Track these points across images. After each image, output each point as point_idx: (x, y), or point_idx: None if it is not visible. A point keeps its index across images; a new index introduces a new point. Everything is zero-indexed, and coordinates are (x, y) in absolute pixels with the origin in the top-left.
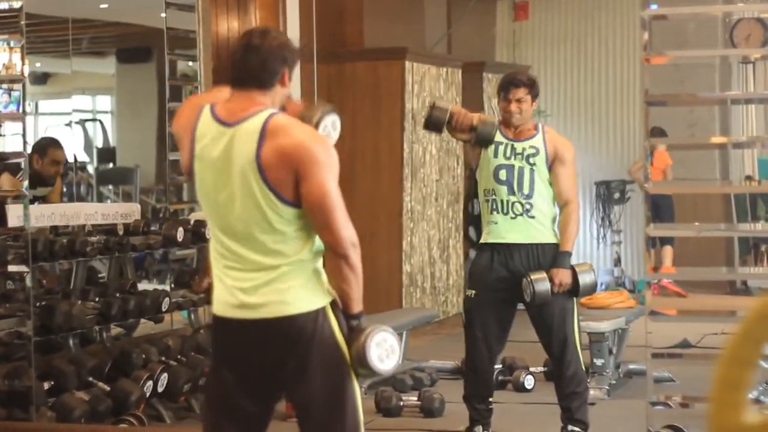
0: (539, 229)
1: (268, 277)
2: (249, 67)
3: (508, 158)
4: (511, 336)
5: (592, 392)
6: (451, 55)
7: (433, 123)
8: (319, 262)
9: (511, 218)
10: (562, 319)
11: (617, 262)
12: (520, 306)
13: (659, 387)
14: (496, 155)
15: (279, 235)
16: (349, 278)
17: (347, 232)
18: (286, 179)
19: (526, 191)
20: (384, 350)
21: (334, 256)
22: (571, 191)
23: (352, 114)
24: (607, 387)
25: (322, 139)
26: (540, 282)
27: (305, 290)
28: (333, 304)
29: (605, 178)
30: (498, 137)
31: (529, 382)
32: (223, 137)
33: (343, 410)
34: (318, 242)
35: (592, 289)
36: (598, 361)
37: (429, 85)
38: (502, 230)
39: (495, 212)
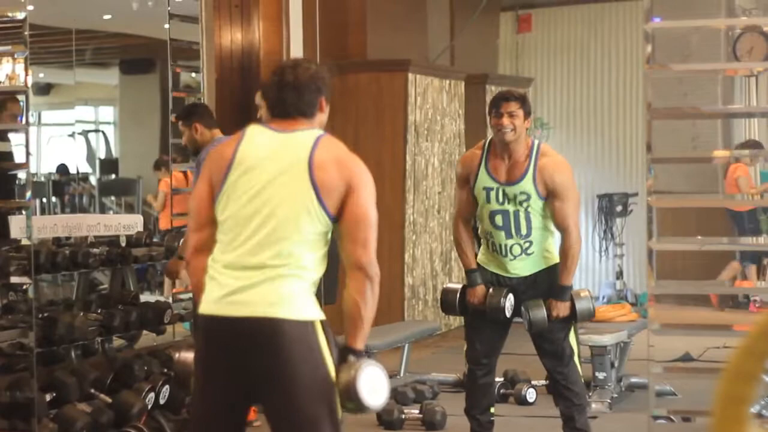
0: (538, 261)
1: (267, 276)
2: (288, 104)
3: (502, 204)
4: (513, 349)
5: (594, 405)
6: (454, 67)
7: (448, 309)
8: (315, 282)
9: (511, 260)
10: (559, 335)
11: (619, 275)
12: (519, 319)
13: (661, 400)
14: (488, 200)
15: (302, 237)
16: (368, 303)
17: (375, 258)
18: (333, 186)
19: (524, 232)
20: (372, 386)
21: (361, 277)
22: (568, 221)
23: (354, 125)
24: (609, 400)
25: (366, 171)
26: (536, 311)
27: (300, 298)
28: (324, 323)
29: (608, 191)
30: (488, 182)
31: (530, 395)
32: (275, 139)
33: (321, 427)
34: (322, 264)
35: (588, 316)
36: (600, 375)
37: (432, 97)
38: (502, 265)
39: (495, 252)
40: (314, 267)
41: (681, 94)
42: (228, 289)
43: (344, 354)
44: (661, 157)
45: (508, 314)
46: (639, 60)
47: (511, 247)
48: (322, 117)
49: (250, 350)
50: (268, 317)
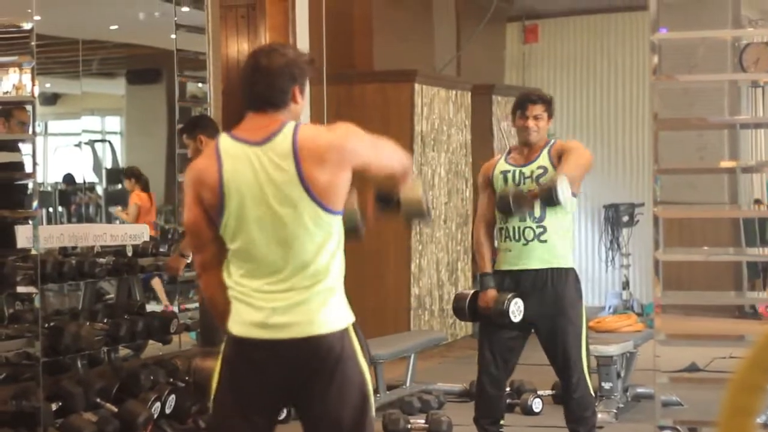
0: (551, 254)
1: (302, 297)
2: (258, 89)
3: (518, 184)
4: (520, 359)
5: (600, 416)
6: (460, 78)
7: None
8: (342, 283)
9: (523, 244)
10: (570, 344)
11: (626, 285)
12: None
13: (667, 411)
14: (506, 182)
15: (319, 251)
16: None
17: (402, 156)
18: (329, 181)
19: (537, 215)
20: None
21: (402, 175)
22: (571, 163)
23: None
24: (615, 410)
25: (344, 127)
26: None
27: (334, 309)
28: (354, 324)
29: (614, 201)
30: (505, 167)
31: (537, 405)
32: (251, 157)
33: (363, 430)
34: (343, 265)
35: (549, 197)
36: (606, 385)
37: (438, 107)
38: (515, 257)
39: (508, 240)
40: (339, 273)
41: (687, 105)
42: (264, 312)
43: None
44: (667, 167)
45: (513, 318)
46: (645, 70)
47: (523, 231)
48: (297, 108)
49: (294, 368)
50: (310, 336)
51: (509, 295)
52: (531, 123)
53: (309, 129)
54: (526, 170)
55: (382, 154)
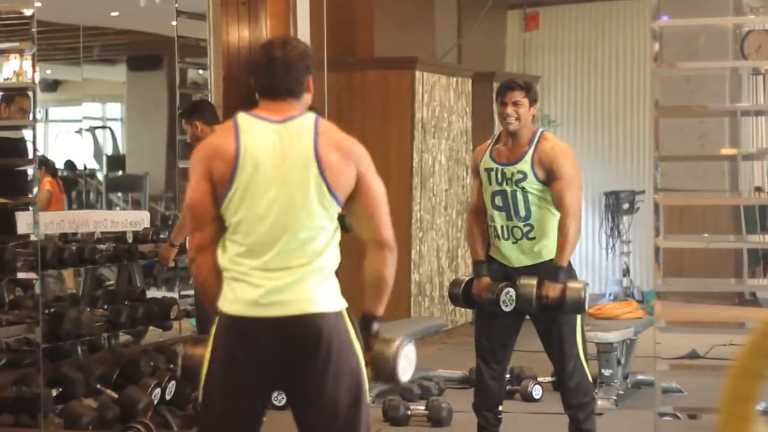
0: (542, 250)
1: (299, 275)
2: (277, 80)
3: (501, 184)
4: (519, 345)
5: (600, 402)
6: (461, 65)
7: (455, 301)
8: (337, 267)
9: (513, 243)
10: (565, 331)
11: (626, 272)
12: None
13: (667, 398)
14: (490, 182)
15: (322, 231)
16: (391, 272)
17: (391, 228)
18: (341, 173)
19: (522, 214)
20: (408, 362)
21: (383, 251)
22: (568, 206)
23: (361, 123)
24: (615, 397)
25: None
26: (525, 287)
27: (330, 290)
28: (348, 310)
29: (614, 189)
30: (489, 163)
31: (536, 391)
32: (273, 132)
33: (358, 416)
34: (338, 253)
35: (578, 308)
36: (607, 372)
37: (439, 94)
38: (507, 256)
39: (497, 238)
40: (336, 257)
41: (688, 92)
42: (262, 290)
43: (368, 321)
44: (668, 154)
45: (504, 308)
46: (646, 58)
47: (512, 230)
48: (308, 97)
49: (289, 347)
50: (308, 314)
51: (501, 285)
52: (510, 109)
53: (328, 125)
54: (507, 171)
55: (377, 194)
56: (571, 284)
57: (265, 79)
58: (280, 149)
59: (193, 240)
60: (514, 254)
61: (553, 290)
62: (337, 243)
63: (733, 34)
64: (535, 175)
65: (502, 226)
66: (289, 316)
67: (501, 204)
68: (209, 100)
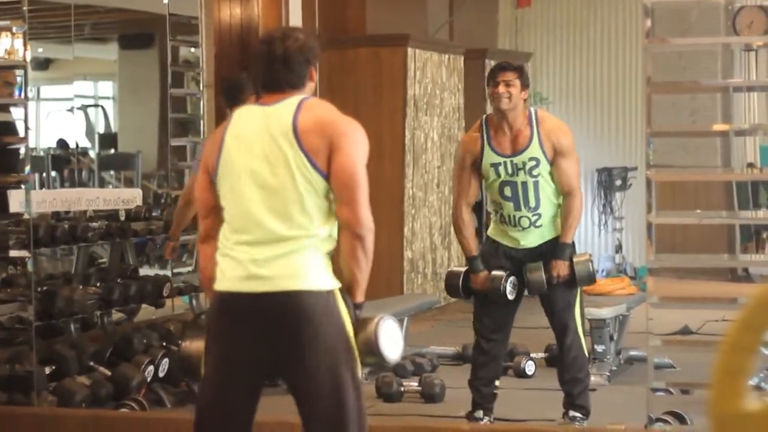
0: (546, 232)
1: (284, 250)
2: (278, 76)
3: (511, 175)
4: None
5: (593, 378)
6: (453, 42)
7: (453, 292)
8: (330, 250)
9: (519, 231)
10: (564, 306)
11: (618, 248)
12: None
13: (660, 373)
14: (498, 175)
15: (304, 204)
16: (361, 262)
17: (367, 213)
18: (320, 147)
19: (532, 204)
20: (392, 339)
21: (349, 237)
22: (573, 181)
23: (354, 100)
24: (608, 373)
25: (356, 122)
26: (535, 272)
27: (318, 269)
28: (341, 289)
29: (607, 165)
30: (494, 158)
31: (530, 367)
32: (260, 112)
33: (348, 394)
34: (334, 229)
35: (589, 279)
36: (599, 348)
37: (431, 71)
38: (509, 238)
39: (504, 223)
40: (327, 235)
41: (680, 69)
42: (245, 265)
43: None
44: (660, 131)
45: (510, 297)
46: (638, 34)
47: (519, 219)
48: (312, 85)
49: (274, 324)
50: (290, 290)
51: (504, 275)
52: (502, 89)
53: (322, 102)
54: (518, 161)
55: (349, 174)
56: (577, 258)
57: (267, 75)
58: (263, 127)
59: (200, 229)
60: (517, 238)
61: (563, 268)
62: (331, 224)
63: (725, 10)
64: (546, 158)
65: (509, 215)
66: (272, 292)
67: (510, 195)
68: (201, 78)
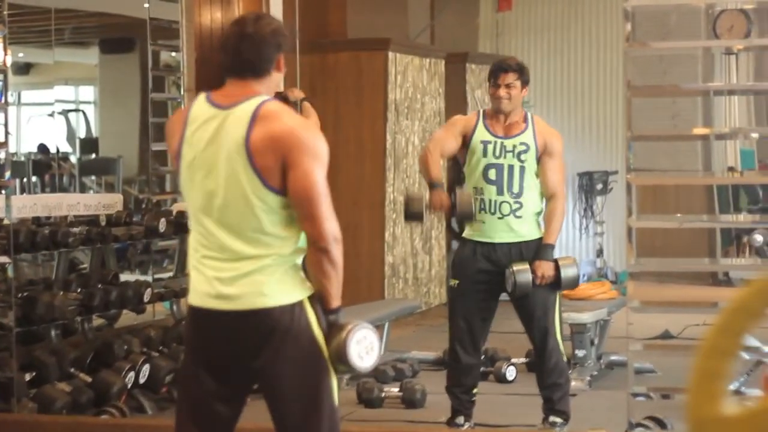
0: (525, 228)
1: (248, 269)
2: (244, 56)
3: (498, 157)
4: (493, 327)
5: (573, 383)
6: (434, 46)
7: (413, 215)
8: (300, 259)
9: (498, 218)
10: (544, 311)
11: (600, 253)
12: (504, 297)
13: (640, 378)
14: (485, 154)
15: (261, 223)
16: (329, 273)
17: (330, 225)
18: (273, 165)
19: (515, 190)
20: (364, 347)
21: (315, 250)
22: (558, 184)
23: (334, 104)
24: (588, 378)
25: (314, 129)
26: (522, 273)
27: (283, 284)
28: (312, 297)
29: (588, 169)
30: (486, 135)
31: (510, 373)
32: (215, 120)
33: (318, 404)
34: (302, 239)
35: (574, 282)
36: (580, 352)
37: (412, 75)
38: (488, 230)
39: (483, 212)
40: (292, 250)
41: (661, 73)
42: (212, 283)
43: (325, 317)
44: (640, 134)
45: (509, 289)
46: (619, 38)
47: (500, 205)
48: (278, 76)
49: (242, 339)
50: (255, 309)
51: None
52: (503, 92)
53: (279, 105)
54: (508, 143)
55: (306, 188)
56: (562, 260)
57: (234, 56)
58: (216, 140)
59: None
60: (497, 229)
61: (548, 269)
62: (294, 232)
63: (705, 14)
64: (536, 148)
65: (490, 200)
66: (241, 310)
67: (494, 177)
68: (182, 82)
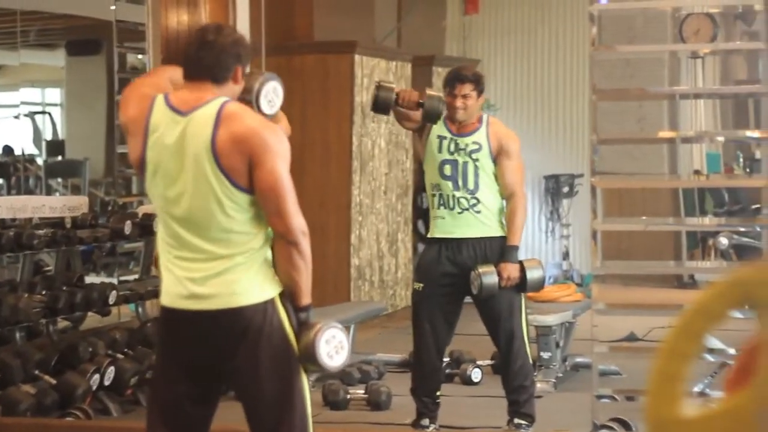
0: (486, 224)
1: (219, 268)
2: (203, 63)
3: (452, 153)
4: (459, 329)
5: (538, 385)
6: (400, 49)
7: (381, 103)
8: (269, 252)
9: (458, 213)
10: (510, 313)
11: (566, 255)
12: (468, 299)
13: (606, 380)
14: (440, 150)
15: (232, 222)
16: (299, 266)
17: (298, 219)
18: (239, 165)
19: (470, 186)
20: (333, 347)
21: (284, 245)
22: (516, 184)
23: (301, 107)
24: (553, 380)
25: (274, 128)
26: (488, 275)
27: (255, 281)
28: (281, 295)
29: (554, 172)
30: (442, 131)
31: (476, 375)
32: (178, 125)
33: (291, 403)
34: (268, 231)
35: (539, 284)
36: (545, 354)
37: (379, 78)
38: (449, 225)
39: (442, 207)
40: (261, 245)
41: (628, 76)
42: (184, 283)
43: (296, 315)
44: (606, 138)
45: (474, 291)
46: (586, 42)
47: (458, 199)
48: (235, 89)
49: (215, 338)
50: (228, 308)
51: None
52: (459, 102)
53: (239, 107)
54: (461, 141)
55: (273, 185)
56: (528, 262)
57: (193, 59)
58: (181, 145)
59: None
60: (458, 224)
61: (513, 270)
62: (262, 228)
63: (671, 18)
64: (489, 148)
65: (447, 195)
66: (213, 310)
67: (449, 173)
68: None
